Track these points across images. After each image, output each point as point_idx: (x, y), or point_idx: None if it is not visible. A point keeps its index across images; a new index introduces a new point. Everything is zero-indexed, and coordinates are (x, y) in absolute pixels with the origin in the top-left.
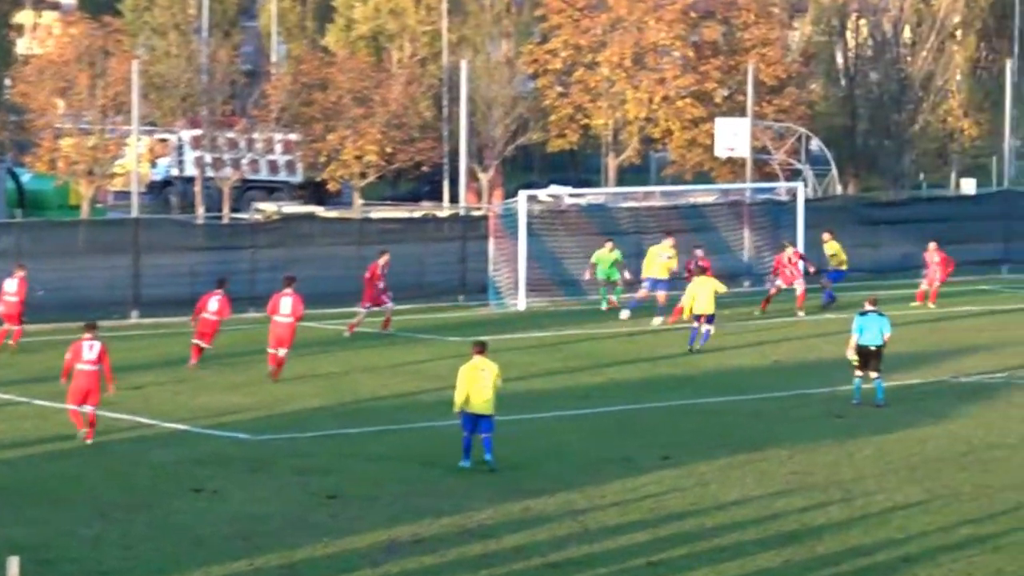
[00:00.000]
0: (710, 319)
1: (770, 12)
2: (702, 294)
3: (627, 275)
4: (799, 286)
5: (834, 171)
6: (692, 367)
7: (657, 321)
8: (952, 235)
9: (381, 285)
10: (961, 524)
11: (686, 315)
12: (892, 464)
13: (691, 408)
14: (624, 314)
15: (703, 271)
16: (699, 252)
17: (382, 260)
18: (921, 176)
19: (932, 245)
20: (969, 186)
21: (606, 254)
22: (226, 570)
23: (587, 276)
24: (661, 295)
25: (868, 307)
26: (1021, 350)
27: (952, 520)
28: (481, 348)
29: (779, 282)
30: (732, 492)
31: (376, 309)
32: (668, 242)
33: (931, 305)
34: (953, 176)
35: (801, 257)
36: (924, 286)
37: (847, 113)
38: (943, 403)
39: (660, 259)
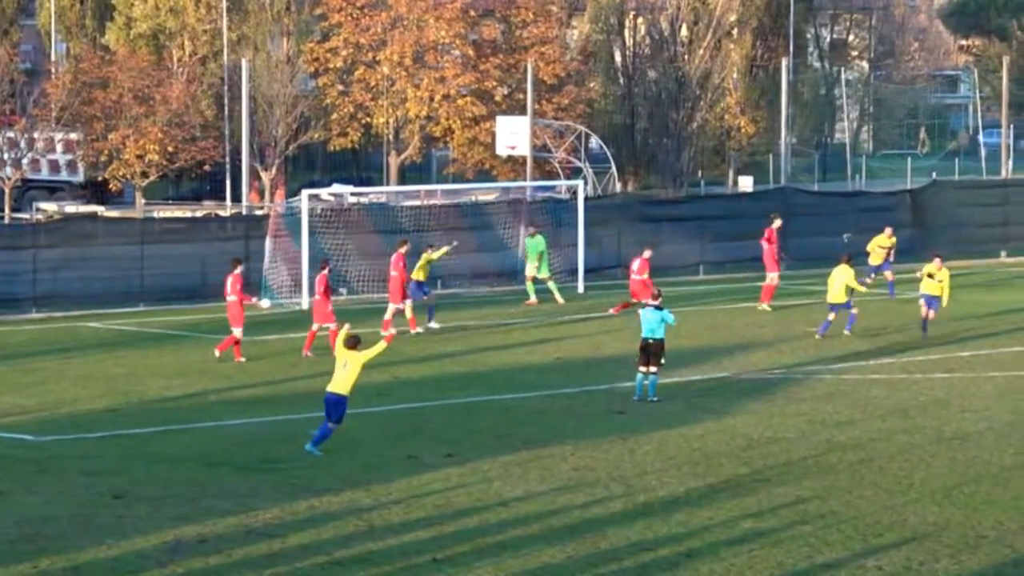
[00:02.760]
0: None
1: (549, 11)
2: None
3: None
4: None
5: (613, 169)
6: (479, 365)
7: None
8: (731, 232)
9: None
10: (742, 518)
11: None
12: (674, 459)
13: (476, 406)
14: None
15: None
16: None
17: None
18: (699, 173)
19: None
20: (747, 183)
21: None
22: (10, 573)
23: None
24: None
25: (649, 302)
26: (800, 346)
27: (733, 514)
28: (353, 343)
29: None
30: (516, 488)
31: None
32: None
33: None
34: (731, 173)
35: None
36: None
37: (626, 111)
38: (724, 399)
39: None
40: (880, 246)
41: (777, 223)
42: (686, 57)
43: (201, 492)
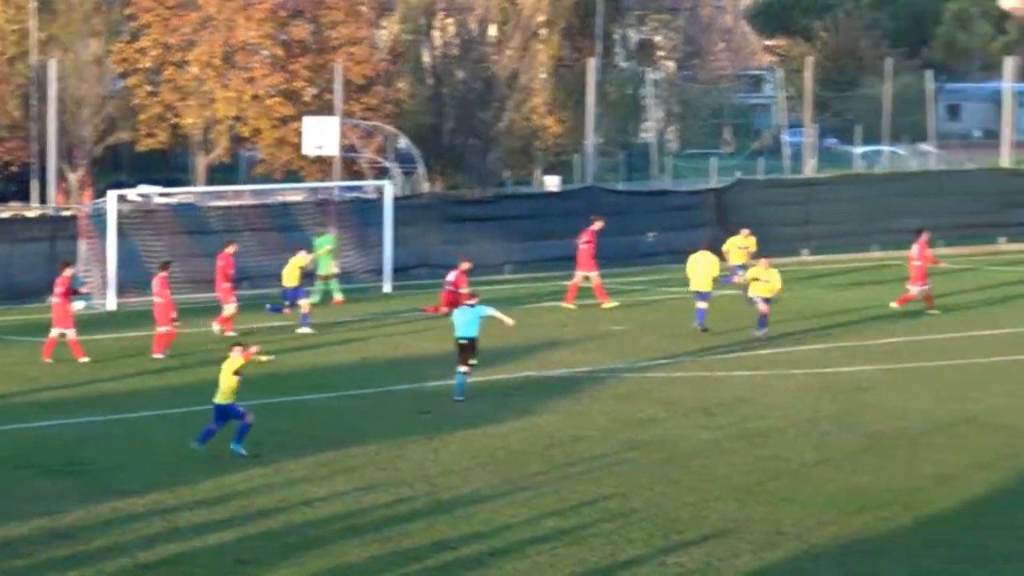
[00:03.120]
0: None
1: (358, 11)
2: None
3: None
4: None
5: (421, 169)
6: (283, 366)
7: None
8: (538, 231)
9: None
10: (545, 516)
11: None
12: (478, 458)
13: (281, 406)
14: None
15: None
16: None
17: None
18: (506, 173)
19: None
20: (553, 183)
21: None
22: None
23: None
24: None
25: (468, 300)
26: (604, 344)
27: (537, 512)
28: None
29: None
30: (320, 489)
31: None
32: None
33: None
34: (538, 173)
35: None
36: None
37: (434, 111)
38: (528, 398)
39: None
40: (738, 246)
41: (597, 224)
42: (494, 57)
43: (6, 495)
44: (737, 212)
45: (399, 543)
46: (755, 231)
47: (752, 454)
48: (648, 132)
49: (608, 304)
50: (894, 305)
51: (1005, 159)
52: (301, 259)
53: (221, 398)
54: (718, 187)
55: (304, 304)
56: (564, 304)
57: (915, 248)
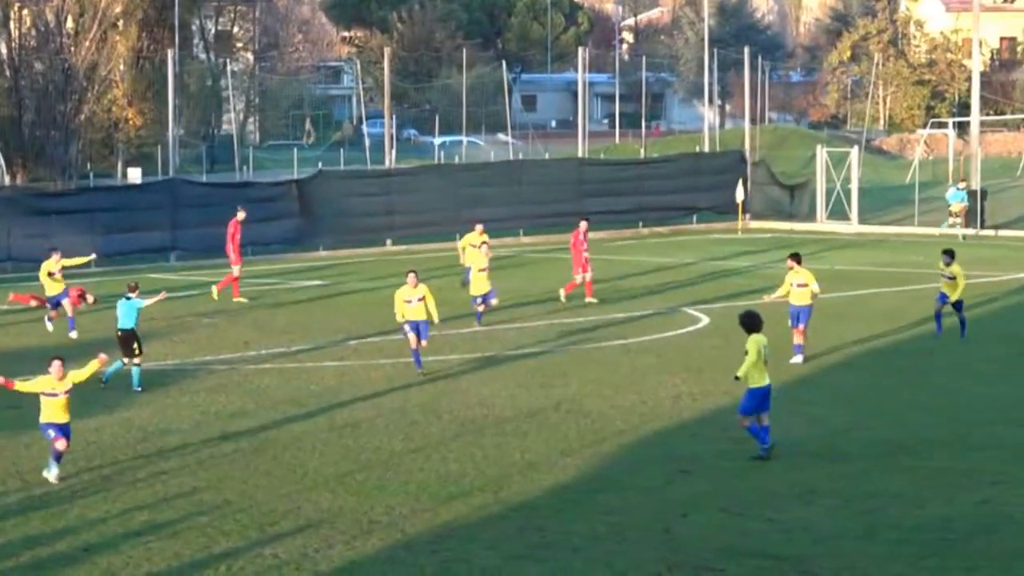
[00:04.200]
0: None
1: None
2: None
3: None
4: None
5: (1, 161)
6: None
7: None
8: (122, 224)
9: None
10: (138, 510)
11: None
12: (70, 453)
13: None
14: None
15: None
16: None
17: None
18: (88, 166)
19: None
20: (135, 175)
21: None
22: None
23: None
24: None
25: (128, 292)
26: (192, 337)
27: (130, 506)
28: None
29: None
30: None
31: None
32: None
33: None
34: (120, 165)
35: None
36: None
37: (13, 103)
38: (118, 392)
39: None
40: (472, 244)
41: (241, 215)
42: (72, 49)
43: None
44: (319, 203)
45: None
46: (338, 221)
47: (342, 444)
48: (230, 124)
49: (239, 299)
50: (562, 294)
51: (580, 149)
52: (53, 264)
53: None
54: (300, 178)
55: None
56: (213, 291)
57: (576, 236)
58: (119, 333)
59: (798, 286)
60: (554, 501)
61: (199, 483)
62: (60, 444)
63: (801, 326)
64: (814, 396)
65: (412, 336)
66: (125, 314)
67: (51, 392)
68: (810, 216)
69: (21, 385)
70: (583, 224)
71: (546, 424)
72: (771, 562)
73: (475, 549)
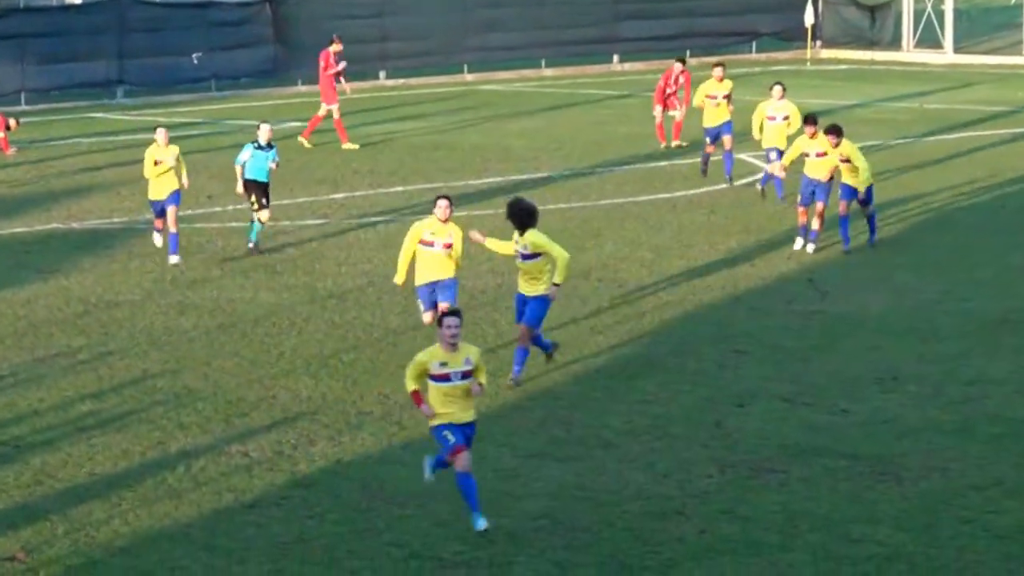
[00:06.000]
0: None
1: None
2: None
3: None
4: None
5: None
6: None
7: None
8: (58, 53)
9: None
10: (80, 400)
11: None
12: None
13: None
14: None
15: None
16: None
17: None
18: None
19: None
20: None
21: None
22: None
23: None
24: None
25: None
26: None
27: (69, 395)
28: None
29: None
30: None
31: None
32: None
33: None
34: None
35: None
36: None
37: None
38: (54, 255)
39: None
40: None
41: (336, 47)
42: None
43: None
44: (299, 27)
45: None
46: (320, 49)
47: (326, 319)
48: None
49: (348, 145)
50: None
51: None
52: None
53: None
54: None
55: None
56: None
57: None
58: (253, 182)
59: (817, 155)
60: (582, 388)
61: (152, 366)
62: None
63: (820, 205)
64: (899, 259)
65: (428, 315)
66: (259, 166)
67: None
68: (894, 43)
69: None
70: (676, 66)
71: (574, 295)
72: (844, 462)
73: (486, 447)
